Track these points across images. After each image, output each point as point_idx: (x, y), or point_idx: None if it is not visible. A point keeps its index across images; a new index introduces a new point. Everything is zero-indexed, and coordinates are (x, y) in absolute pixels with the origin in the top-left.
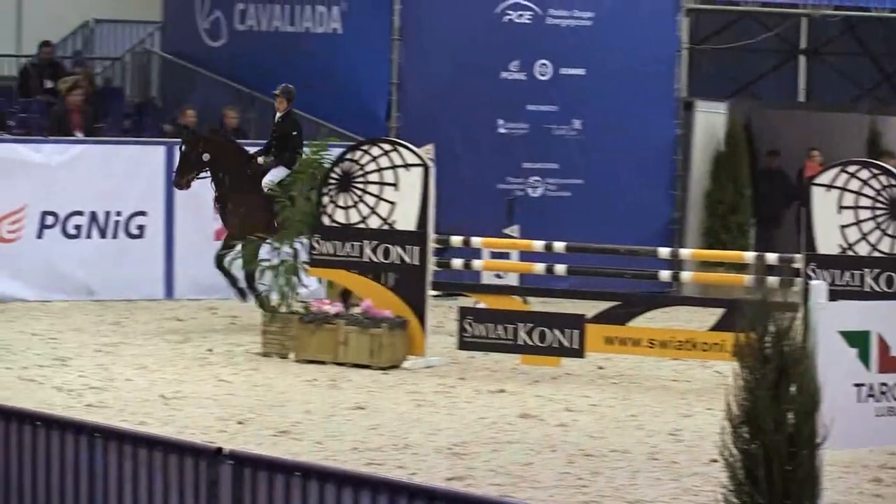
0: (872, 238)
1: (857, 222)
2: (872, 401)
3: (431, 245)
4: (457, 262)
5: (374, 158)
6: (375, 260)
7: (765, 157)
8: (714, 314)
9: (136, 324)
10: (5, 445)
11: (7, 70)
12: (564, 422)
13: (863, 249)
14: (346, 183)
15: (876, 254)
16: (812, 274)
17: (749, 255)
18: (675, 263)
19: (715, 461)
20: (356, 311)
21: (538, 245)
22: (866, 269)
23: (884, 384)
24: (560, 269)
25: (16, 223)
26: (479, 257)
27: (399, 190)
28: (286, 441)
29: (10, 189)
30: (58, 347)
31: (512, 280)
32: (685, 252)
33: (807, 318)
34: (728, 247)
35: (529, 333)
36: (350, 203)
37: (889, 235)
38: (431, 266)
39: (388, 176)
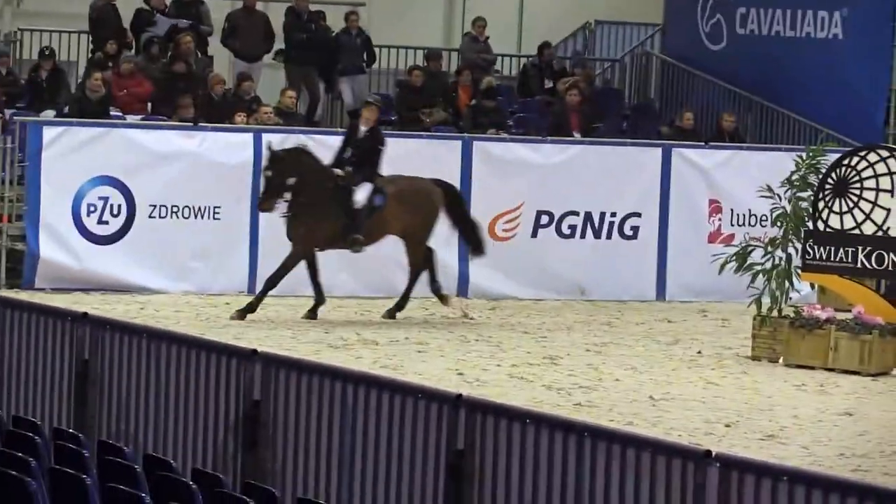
0: None
1: None
2: None
3: None
4: None
5: (871, 165)
6: (868, 266)
7: None
8: None
9: (626, 324)
10: (494, 441)
11: (508, 70)
12: None
13: None
14: (842, 188)
15: None
16: None
17: None
18: None
19: None
20: (847, 317)
21: None
22: None
23: None
24: None
25: (511, 222)
26: None
27: (895, 196)
28: (772, 445)
29: (506, 188)
30: (548, 346)
31: None
32: None
33: None
34: None
35: None
36: (845, 209)
37: None
38: None
39: (885, 182)
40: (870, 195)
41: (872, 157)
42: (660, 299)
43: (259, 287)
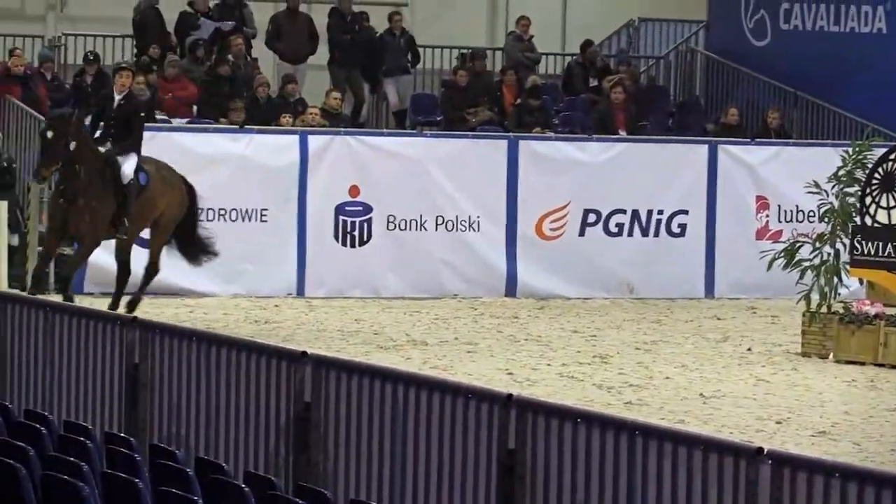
0: None
1: None
2: None
3: None
4: None
5: None
6: None
7: None
8: None
9: (675, 322)
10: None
11: (552, 68)
12: None
13: None
14: (888, 183)
15: None
16: None
17: None
18: None
19: None
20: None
21: None
22: None
23: None
24: None
25: (558, 221)
26: None
27: None
28: (824, 442)
29: (553, 187)
30: (597, 345)
31: None
32: None
33: None
34: None
35: None
36: (892, 203)
37: None
38: None
39: None
40: None
41: None
42: (709, 296)
43: (307, 288)
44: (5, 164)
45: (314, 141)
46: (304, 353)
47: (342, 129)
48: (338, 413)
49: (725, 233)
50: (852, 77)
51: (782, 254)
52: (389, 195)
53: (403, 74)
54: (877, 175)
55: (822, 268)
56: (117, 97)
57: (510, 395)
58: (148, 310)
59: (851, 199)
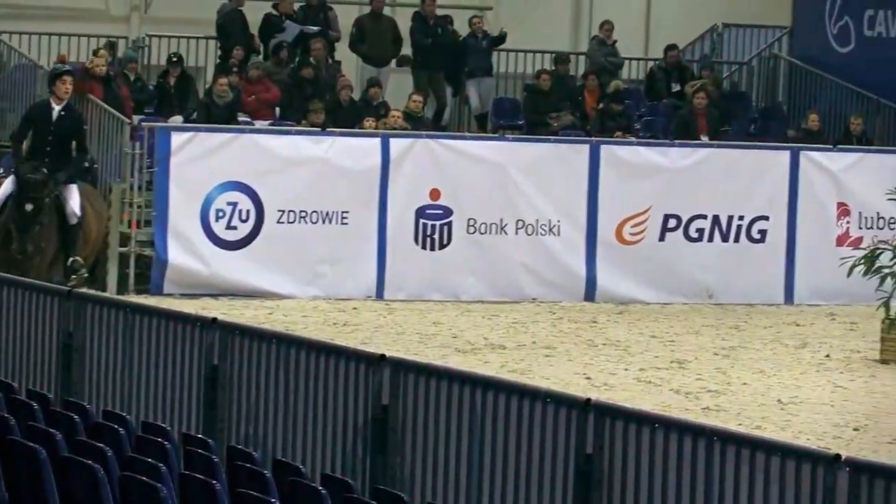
0: None
1: None
2: None
3: None
4: None
5: None
6: None
7: None
8: None
9: (754, 328)
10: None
11: (635, 73)
12: None
13: None
14: None
15: None
16: None
17: None
18: None
19: None
20: None
21: None
22: None
23: None
24: None
25: (638, 225)
26: None
27: None
28: None
29: (634, 191)
30: (675, 350)
31: None
32: None
33: None
34: None
35: None
36: None
37: None
38: None
39: None
40: None
41: None
42: (788, 303)
43: (386, 291)
44: (86, 165)
45: (396, 144)
46: (383, 356)
47: (424, 133)
48: (415, 416)
49: (806, 239)
50: None
51: (862, 260)
52: (470, 199)
53: (485, 76)
54: None
55: None
56: (56, 108)
57: (588, 400)
58: (226, 311)
59: None
